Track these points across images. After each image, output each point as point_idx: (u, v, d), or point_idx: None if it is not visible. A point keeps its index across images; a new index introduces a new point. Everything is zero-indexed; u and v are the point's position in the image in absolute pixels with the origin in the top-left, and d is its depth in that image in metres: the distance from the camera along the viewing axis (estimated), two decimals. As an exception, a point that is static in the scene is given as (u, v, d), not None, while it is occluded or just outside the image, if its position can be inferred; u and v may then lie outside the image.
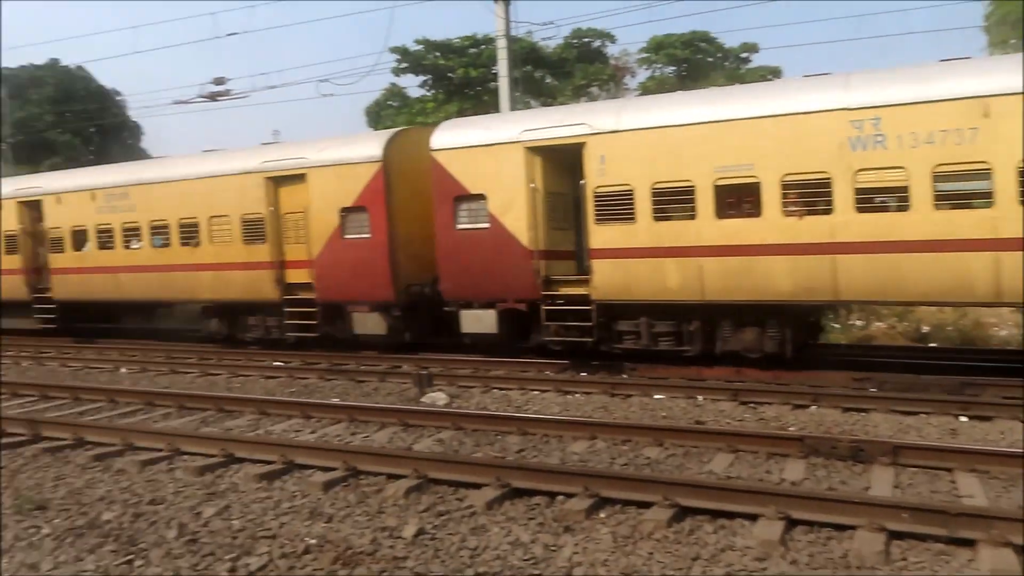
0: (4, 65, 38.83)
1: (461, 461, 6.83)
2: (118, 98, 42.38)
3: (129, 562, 5.13)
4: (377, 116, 33.15)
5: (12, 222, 18.66)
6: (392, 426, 8.77)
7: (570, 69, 30.36)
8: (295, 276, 14.45)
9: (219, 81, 20.09)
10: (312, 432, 8.76)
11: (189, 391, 11.23)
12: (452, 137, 12.70)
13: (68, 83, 39.98)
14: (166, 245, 16.02)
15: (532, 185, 11.76)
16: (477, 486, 6.34)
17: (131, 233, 16.65)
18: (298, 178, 14.19)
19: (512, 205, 11.90)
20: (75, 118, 38.37)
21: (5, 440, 8.67)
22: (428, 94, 30.18)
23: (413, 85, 31.70)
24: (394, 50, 28.70)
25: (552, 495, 6.09)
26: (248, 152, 15.51)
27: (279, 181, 14.46)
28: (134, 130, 43.97)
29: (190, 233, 15.61)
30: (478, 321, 12.46)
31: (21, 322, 19.23)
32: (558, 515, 5.76)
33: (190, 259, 15.59)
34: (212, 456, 7.64)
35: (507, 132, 12.12)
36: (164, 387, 11.94)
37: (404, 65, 29.43)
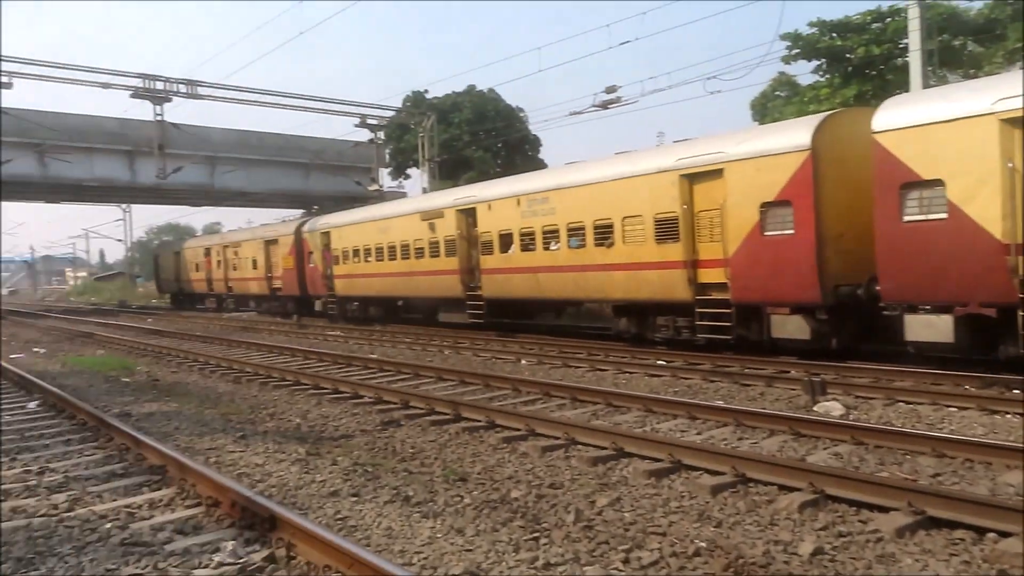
0: (433, 95, 45.15)
1: (865, 480, 6.23)
2: (521, 115, 46.77)
3: (535, 539, 5.54)
4: (763, 108, 32.03)
5: (451, 228, 20.96)
6: (782, 434, 8.37)
7: (1000, 32, 26.14)
8: (708, 276, 14.22)
9: (611, 90, 21.11)
10: (698, 433, 8.72)
11: (580, 384, 11.87)
12: (900, 115, 11.29)
13: (481, 105, 45.12)
14: (582, 246, 16.71)
15: (1010, 164, 9.98)
16: (884, 509, 5.74)
17: (550, 235, 17.62)
18: (714, 174, 13.88)
19: (980, 190, 10.23)
20: (486, 136, 43.20)
21: (435, 417, 10.04)
22: (822, 79, 28.23)
23: (805, 72, 29.93)
24: (784, 36, 27.30)
25: (980, 531, 5.28)
26: (660, 151, 15.68)
27: (693, 178, 14.30)
28: (534, 143, 48.20)
29: (604, 234, 16.09)
30: (929, 328, 10.97)
31: (455, 316, 21.66)
32: (989, 555, 4.96)
33: (604, 259, 16.11)
34: (603, 448, 7.98)
35: (974, 103, 10.42)
36: (558, 379, 12.81)
37: (795, 52, 27.88)
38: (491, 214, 19.42)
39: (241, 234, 39.50)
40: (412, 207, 23.74)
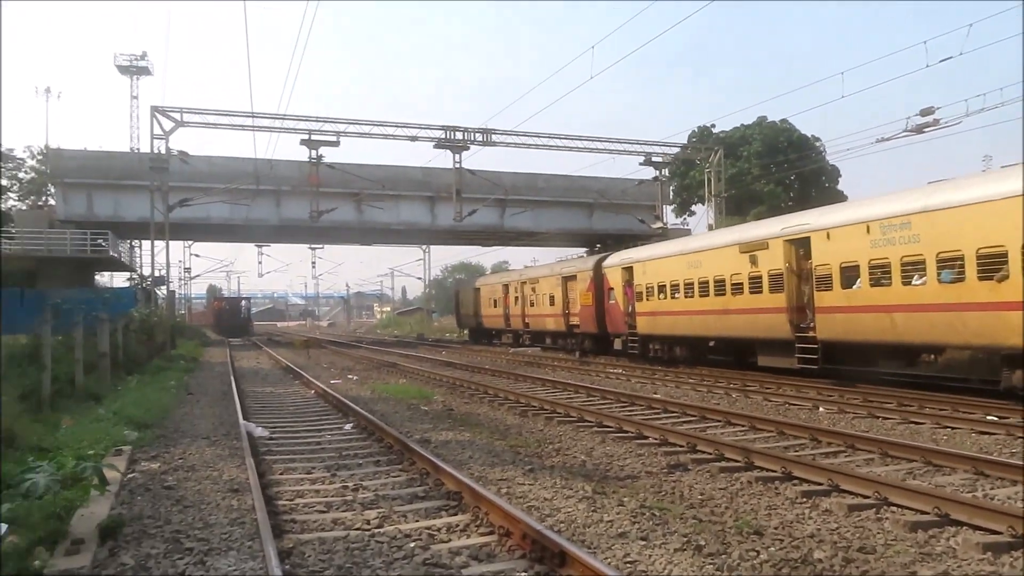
0: (720, 129, 44.29)
1: None
2: (817, 144, 44.32)
3: (846, 610, 4.96)
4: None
5: (777, 260, 18.77)
6: None
7: None
8: None
9: (926, 112, 19.13)
10: (1047, 505, 7.38)
11: (890, 438, 10.66)
12: None
13: (773, 137, 43.50)
14: (959, 280, 14.07)
15: None
16: None
17: (912, 267, 15.12)
18: None
19: None
20: (778, 169, 41.43)
21: (724, 464, 9.54)
22: None
23: None
24: None
25: None
26: None
27: None
28: (831, 174, 45.35)
29: (993, 265, 13.42)
30: None
31: (778, 361, 18.96)
32: None
33: (993, 296, 13.40)
34: (924, 513, 7.02)
35: None
36: (863, 431, 11.63)
37: None
38: (830, 244, 17.07)
39: (539, 270, 39.48)
40: (729, 238, 21.64)
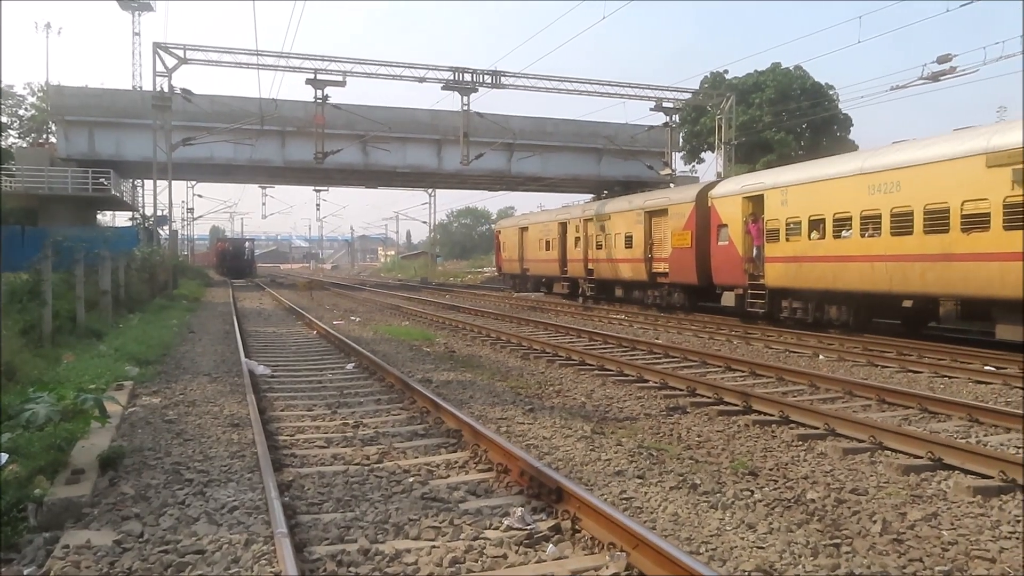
0: (734, 75, 43.60)
1: None
2: (830, 92, 43.63)
3: (836, 546, 5.03)
4: None
5: None
6: None
7: None
8: None
9: (943, 59, 18.67)
10: (1040, 452, 7.43)
11: (888, 385, 10.72)
12: None
13: (785, 84, 42.77)
14: None
15: None
16: None
17: None
18: None
19: None
20: (789, 117, 40.86)
21: (723, 407, 9.62)
22: None
23: None
24: None
25: None
26: None
27: None
28: (843, 123, 44.71)
29: None
30: None
31: (1009, 330, 13.69)
32: None
33: None
34: (917, 457, 7.10)
35: None
36: (862, 379, 11.69)
37: None
38: None
39: (614, 203, 31.41)
40: (964, 146, 14.53)
